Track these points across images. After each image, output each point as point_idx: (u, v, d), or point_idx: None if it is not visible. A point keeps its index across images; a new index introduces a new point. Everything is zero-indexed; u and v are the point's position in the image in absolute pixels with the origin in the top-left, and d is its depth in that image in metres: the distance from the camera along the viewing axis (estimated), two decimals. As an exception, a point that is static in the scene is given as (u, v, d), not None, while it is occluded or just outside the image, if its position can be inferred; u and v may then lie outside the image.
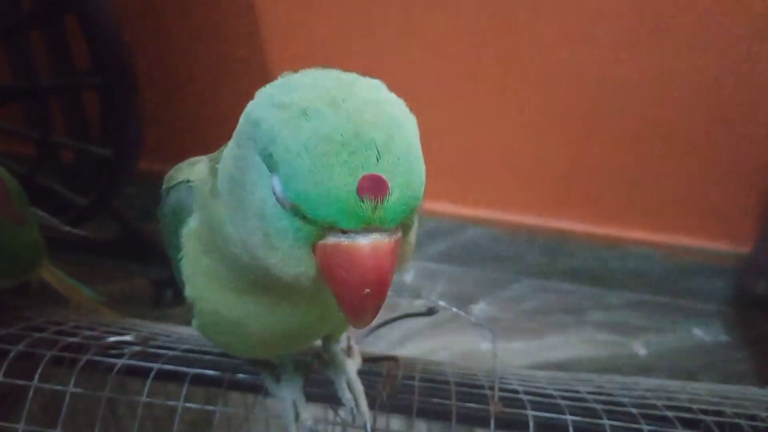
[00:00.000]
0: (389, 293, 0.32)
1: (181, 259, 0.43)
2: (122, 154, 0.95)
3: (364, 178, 0.29)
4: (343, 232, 0.30)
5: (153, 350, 0.55)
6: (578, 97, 1.25)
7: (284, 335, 0.44)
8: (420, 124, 0.33)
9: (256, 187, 0.32)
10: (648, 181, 1.31)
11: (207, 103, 1.40)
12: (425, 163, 0.32)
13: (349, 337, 0.59)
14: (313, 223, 0.31)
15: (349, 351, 0.58)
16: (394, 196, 0.30)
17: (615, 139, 1.27)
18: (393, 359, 0.58)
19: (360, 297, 0.31)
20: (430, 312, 0.66)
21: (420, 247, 1.43)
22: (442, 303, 0.67)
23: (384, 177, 0.29)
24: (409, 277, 1.42)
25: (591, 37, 1.18)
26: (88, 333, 0.57)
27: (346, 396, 0.53)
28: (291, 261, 0.32)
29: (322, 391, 0.54)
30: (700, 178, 1.28)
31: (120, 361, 0.52)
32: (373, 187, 0.29)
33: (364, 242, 0.30)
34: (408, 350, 1.24)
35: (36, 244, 0.68)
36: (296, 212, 0.31)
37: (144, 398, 0.51)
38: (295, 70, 0.34)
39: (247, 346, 0.47)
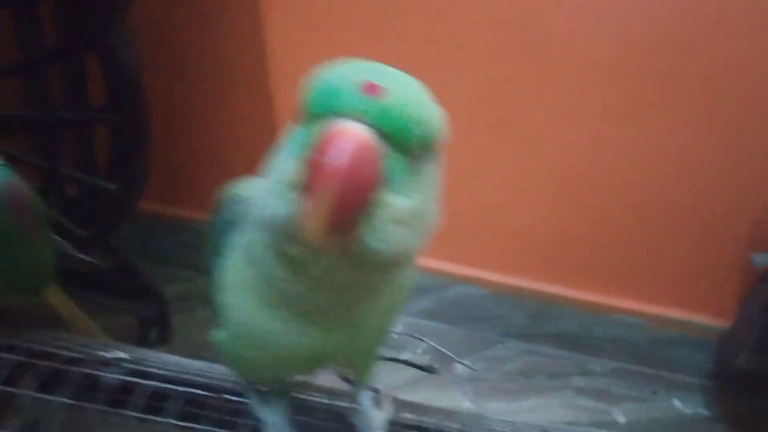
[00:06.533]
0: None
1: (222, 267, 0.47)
2: (128, 189, 0.99)
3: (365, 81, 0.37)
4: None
5: (148, 369, 0.57)
6: (569, 162, 1.31)
7: (308, 355, 0.47)
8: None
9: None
10: (636, 251, 1.35)
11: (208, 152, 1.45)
12: None
13: (378, 389, 0.61)
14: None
15: (379, 401, 0.60)
16: (389, 101, 0.37)
17: (605, 207, 1.33)
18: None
19: (324, 172, 0.34)
20: (431, 370, 0.68)
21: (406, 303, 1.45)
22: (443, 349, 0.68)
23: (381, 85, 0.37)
24: (394, 332, 1.44)
25: (580, 108, 1.26)
26: (84, 350, 0.59)
27: None
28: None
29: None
30: (687, 252, 1.33)
31: (116, 376, 0.54)
32: (371, 86, 0.36)
33: (343, 121, 0.36)
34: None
35: (49, 263, 0.71)
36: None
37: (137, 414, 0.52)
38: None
39: (268, 363, 0.49)
